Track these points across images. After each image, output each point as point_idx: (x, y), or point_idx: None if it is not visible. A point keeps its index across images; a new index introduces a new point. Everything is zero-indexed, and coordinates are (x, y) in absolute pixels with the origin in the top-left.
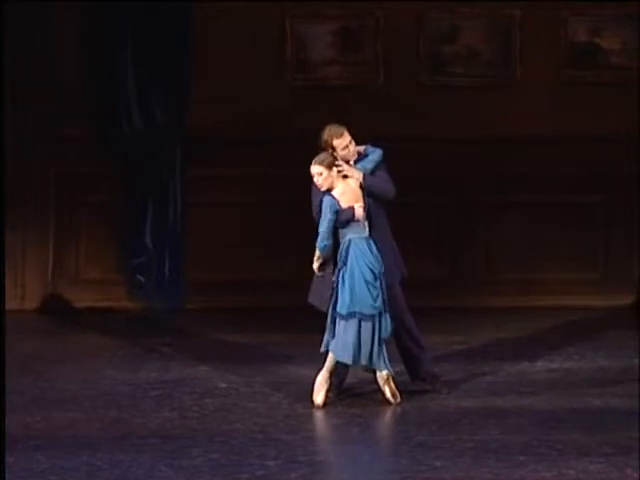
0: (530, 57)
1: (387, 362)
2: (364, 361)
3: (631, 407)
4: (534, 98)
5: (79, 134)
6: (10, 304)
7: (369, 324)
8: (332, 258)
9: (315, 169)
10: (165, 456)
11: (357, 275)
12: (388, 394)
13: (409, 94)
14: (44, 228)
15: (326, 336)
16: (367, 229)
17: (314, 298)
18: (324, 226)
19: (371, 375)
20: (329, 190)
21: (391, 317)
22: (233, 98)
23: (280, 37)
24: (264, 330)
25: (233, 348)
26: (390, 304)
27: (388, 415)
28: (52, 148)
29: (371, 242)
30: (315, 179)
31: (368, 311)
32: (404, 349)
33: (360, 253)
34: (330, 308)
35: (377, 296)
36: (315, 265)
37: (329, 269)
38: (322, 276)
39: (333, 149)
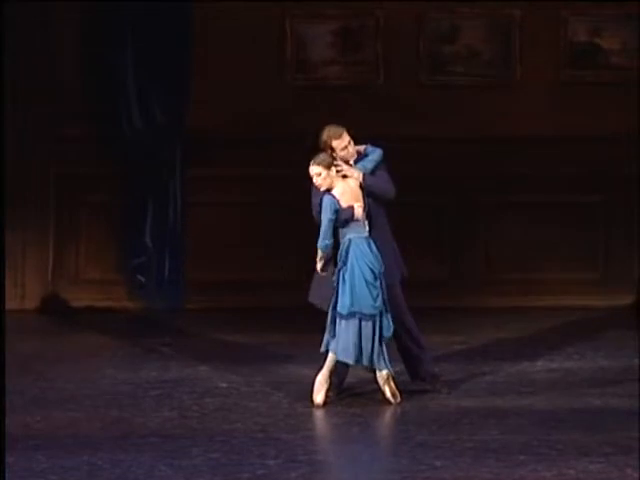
0: (530, 57)
1: (387, 362)
2: (365, 361)
3: (631, 407)
4: (534, 98)
5: (79, 134)
6: (10, 304)
7: (369, 324)
8: (333, 258)
9: (314, 169)
10: (165, 455)
11: (357, 275)
12: (388, 394)
13: (409, 94)
14: (44, 228)
15: (326, 336)
16: (367, 229)
17: (314, 297)
18: (324, 225)
19: (371, 375)
20: (329, 190)
21: (392, 317)
22: (233, 98)
23: (280, 37)
24: (264, 330)
25: (233, 348)
26: (390, 304)
27: (388, 415)
28: (52, 148)
29: (371, 242)
30: (314, 180)
31: (368, 311)
32: (404, 349)
33: (360, 253)
34: (330, 308)
35: (377, 296)
36: (318, 265)
37: (332, 269)
38: (325, 276)
39: (332, 150)
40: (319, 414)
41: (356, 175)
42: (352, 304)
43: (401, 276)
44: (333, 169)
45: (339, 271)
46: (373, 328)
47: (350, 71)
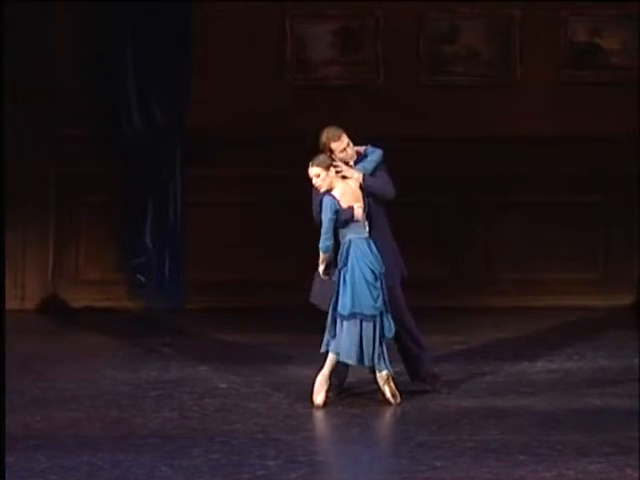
0: (530, 57)
1: (387, 362)
2: (367, 361)
3: (631, 407)
4: (534, 98)
5: (79, 134)
6: (10, 304)
7: (370, 324)
8: (333, 259)
9: (312, 171)
10: (165, 456)
11: (358, 275)
12: (388, 394)
13: (409, 94)
14: (44, 228)
15: (326, 336)
16: (367, 229)
17: (315, 297)
18: (325, 226)
19: (371, 375)
20: (329, 191)
21: (392, 317)
22: (233, 98)
23: (280, 37)
24: (264, 330)
25: (233, 348)
26: (390, 304)
27: (388, 415)
28: (52, 148)
29: (371, 242)
30: (313, 181)
31: (369, 311)
32: (404, 349)
33: (361, 253)
34: (330, 308)
35: (378, 296)
36: (321, 268)
37: (334, 272)
38: (328, 279)
39: (331, 152)
40: (319, 415)
41: (356, 176)
42: (353, 305)
43: (401, 276)
44: (332, 170)
45: (339, 272)
46: (374, 329)
47: (350, 71)
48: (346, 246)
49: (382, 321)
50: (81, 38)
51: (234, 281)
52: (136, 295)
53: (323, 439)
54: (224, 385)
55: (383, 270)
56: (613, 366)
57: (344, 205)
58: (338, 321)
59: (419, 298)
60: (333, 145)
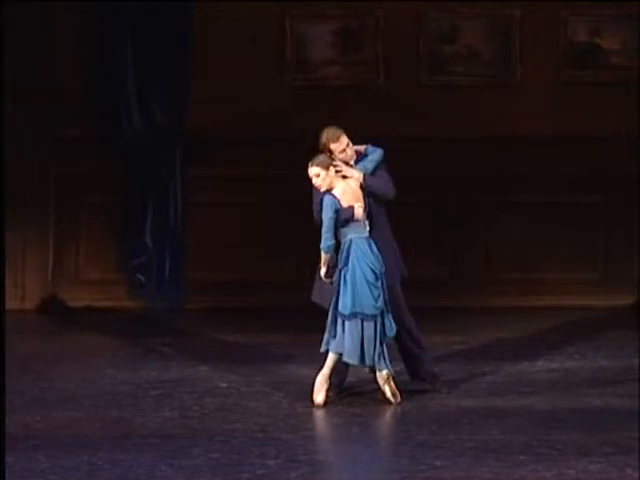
0: (530, 57)
1: (387, 362)
2: (369, 361)
3: (631, 407)
4: (534, 98)
5: (79, 134)
6: (10, 304)
7: (371, 324)
8: (334, 259)
9: (312, 171)
10: (165, 455)
11: (358, 275)
12: (388, 394)
13: (409, 94)
14: (44, 228)
15: (326, 335)
16: (368, 229)
17: (317, 296)
18: (326, 225)
19: (371, 374)
20: (329, 190)
21: (393, 317)
22: (233, 98)
23: (280, 37)
24: (264, 330)
25: (233, 348)
26: (390, 304)
27: (388, 415)
28: (52, 148)
29: (372, 242)
30: (313, 181)
31: (370, 311)
32: (404, 349)
33: (361, 253)
34: (331, 308)
35: (378, 296)
36: (323, 271)
37: (336, 275)
38: (330, 282)
39: (331, 152)
40: (319, 414)
41: (356, 175)
42: (354, 304)
43: (401, 276)
44: (332, 169)
45: (340, 271)
46: (375, 328)
47: (350, 71)
48: (347, 246)
49: (383, 321)
50: (81, 38)
51: (234, 281)
52: (136, 295)
53: (323, 438)
54: (224, 385)
55: (383, 270)
56: (613, 366)
57: (344, 204)
58: (339, 321)
59: (419, 298)
60: (332, 146)
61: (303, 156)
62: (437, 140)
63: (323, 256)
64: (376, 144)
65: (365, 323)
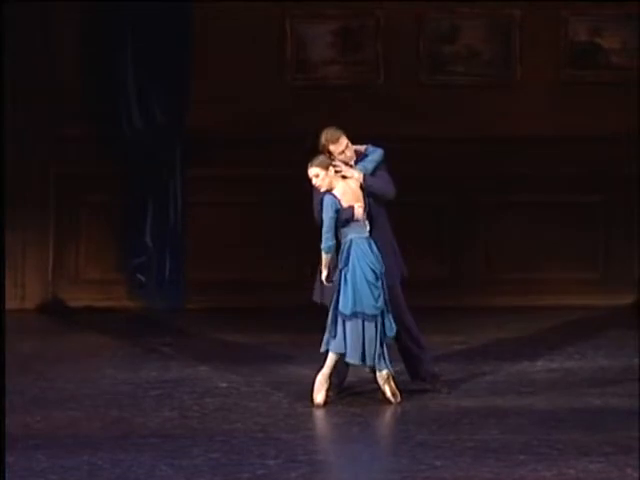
0: (530, 57)
1: (387, 361)
2: (370, 361)
3: (631, 407)
4: (534, 98)
5: (79, 134)
6: (10, 304)
7: (372, 324)
8: (334, 260)
9: (312, 171)
10: (165, 455)
11: (359, 275)
12: (388, 393)
13: (409, 94)
14: (44, 228)
15: (326, 335)
16: (368, 229)
17: (317, 296)
18: (326, 225)
19: (371, 374)
20: (329, 190)
21: (393, 317)
22: (233, 98)
23: (280, 37)
24: (264, 330)
25: (233, 348)
26: (391, 304)
27: (388, 414)
28: (52, 148)
29: (372, 242)
30: (313, 181)
31: (370, 311)
32: (404, 349)
33: (361, 253)
34: (331, 308)
35: (379, 296)
36: (324, 274)
37: (337, 275)
38: (330, 285)
39: (330, 153)
40: (319, 414)
41: (356, 175)
42: (354, 304)
43: (401, 276)
44: (332, 169)
45: (340, 271)
46: (375, 328)
47: (350, 71)
48: (347, 246)
49: (383, 321)
50: (81, 38)
51: (234, 281)
52: (136, 295)
53: (323, 438)
54: (224, 385)
55: (384, 270)
56: (613, 365)
57: (344, 204)
58: (339, 321)
59: (419, 298)
60: (332, 147)
61: (303, 156)
62: (437, 140)
63: (324, 256)
64: (376, 144)
65: (366, 323)
